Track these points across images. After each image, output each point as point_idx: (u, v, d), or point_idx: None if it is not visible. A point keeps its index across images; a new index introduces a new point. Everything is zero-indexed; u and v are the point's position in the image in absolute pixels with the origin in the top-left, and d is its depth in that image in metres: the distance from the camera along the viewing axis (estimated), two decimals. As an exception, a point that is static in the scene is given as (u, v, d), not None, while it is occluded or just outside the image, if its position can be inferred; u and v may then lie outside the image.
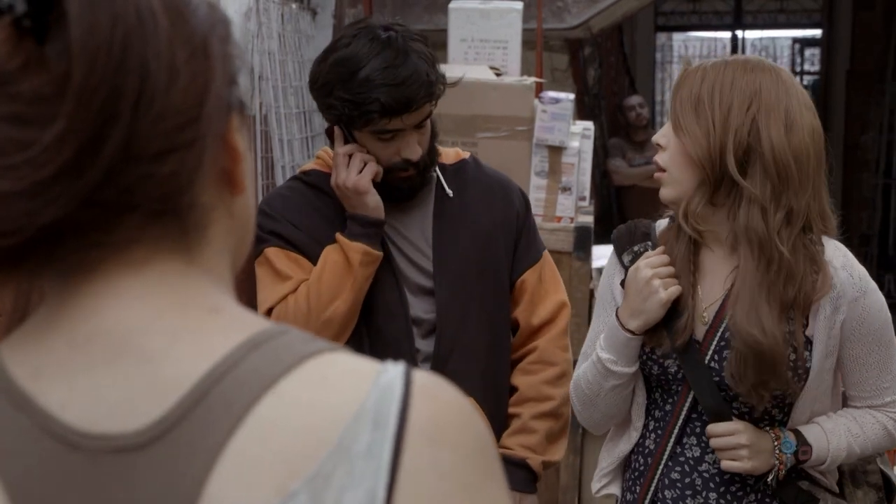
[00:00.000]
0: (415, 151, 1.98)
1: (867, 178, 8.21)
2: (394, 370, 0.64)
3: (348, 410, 0.61)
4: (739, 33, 11.97)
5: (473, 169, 2.17)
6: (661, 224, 1.85)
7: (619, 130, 7.15)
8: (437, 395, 0.64)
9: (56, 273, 0.65)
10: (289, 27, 3.50)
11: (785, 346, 1.65)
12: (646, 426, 1.84)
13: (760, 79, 1.67)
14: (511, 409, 2.13)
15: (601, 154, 6.81)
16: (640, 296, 1.72)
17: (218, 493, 0.60)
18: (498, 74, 3.36)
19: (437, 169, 2.09)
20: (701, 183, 1.69)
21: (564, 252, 3.24)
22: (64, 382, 0.64)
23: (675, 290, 1.72)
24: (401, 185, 2.02)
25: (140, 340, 0.64)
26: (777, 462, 1.71)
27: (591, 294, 3.40)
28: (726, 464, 1.71)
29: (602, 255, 3.45)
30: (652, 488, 1.81)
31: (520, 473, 2.08)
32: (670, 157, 1.73)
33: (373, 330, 2.03)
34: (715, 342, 1.73)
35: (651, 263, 1.74)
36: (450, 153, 2.17)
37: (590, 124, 3.68)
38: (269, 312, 1.99)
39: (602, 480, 1.93)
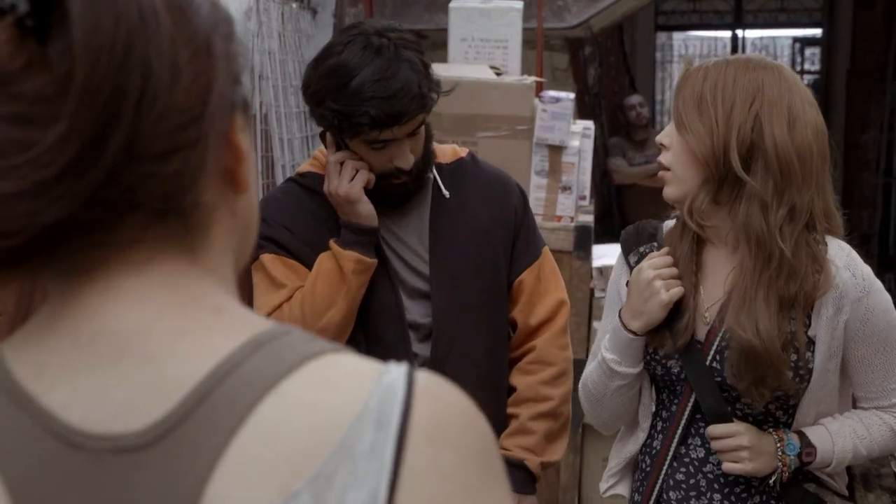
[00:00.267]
0: (407, 160, 1.96)
1: (867, 178, 8.20)
2: (396, 371, 0.64)
3: (351, 411, 0.61)
4: (740, 32, 11.96)
5: (471, 166, 2.15)
6: (669, 225, 1.85)
7: (620, 130, 7.15)
8: (440, 396, 0.64)
9: (59, 273, 0.65)
10: (289, 26, 3.50)
11: (782, 345, 1.64)
12: (653, 427, 1.83)
13: (763, 76, 1.67)
14: (509, 410, 2.12)
15: (601, 153, 6.81)
16: (641, 297, 1.72)
17: (220, 493, 0.60)
18: (498, 74, 3.35)
19: (434, 170, 2.08)
20: (705, 181, 1.68)
21: (565, 251, 3.25)
22: (66, 382, 0.64)
23: (676, 291, 1.72)
24: (394, 192, 2.01)
25: (142, 340, 0.64)
26: (780, 464, 1.70)
27: (592, 293, 3.40)
28: (727, 465, 1.70)
29: (602, 254, 3.45)
30: (656, 489, 1.80)
31: (518, 474, 2.07)
32: (674, 155, 1.72)
33: (369, 334, 2.03)
34: (716, 342, 1.72)
35: (654, 265, 1.74)
36: (447, 151, 2.15)
37: (590, 123, 3.67)
38: None
39: (609, 481, 1.93)
